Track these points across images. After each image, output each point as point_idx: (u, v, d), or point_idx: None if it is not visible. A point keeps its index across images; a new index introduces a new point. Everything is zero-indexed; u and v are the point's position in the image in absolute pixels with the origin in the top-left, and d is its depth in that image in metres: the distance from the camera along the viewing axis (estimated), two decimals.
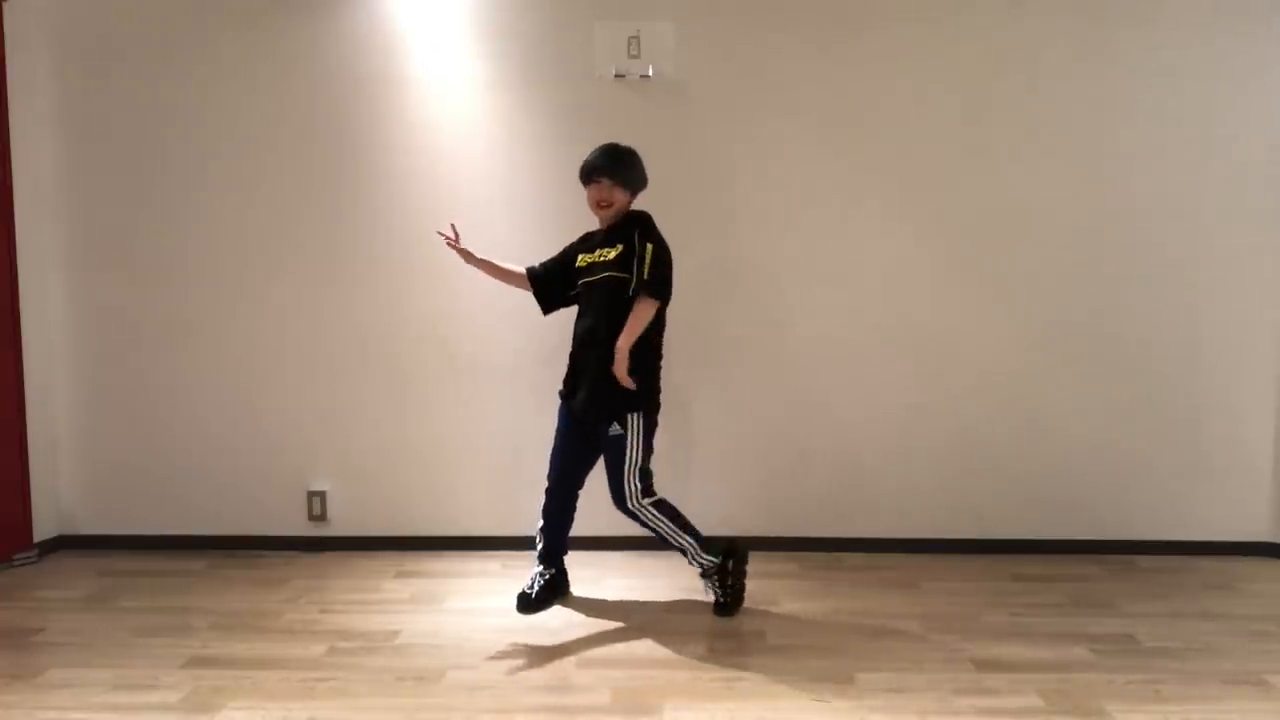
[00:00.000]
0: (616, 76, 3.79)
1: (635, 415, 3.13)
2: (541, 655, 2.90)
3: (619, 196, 3.19)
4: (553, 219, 3.82)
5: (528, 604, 3.28)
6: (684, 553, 3.27)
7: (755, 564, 3.57)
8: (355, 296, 3.92)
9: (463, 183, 3.87)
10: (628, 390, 3.08)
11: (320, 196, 3.90)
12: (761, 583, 3.50)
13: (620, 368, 3.04)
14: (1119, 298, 3.87)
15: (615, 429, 3.14)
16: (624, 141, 3.19)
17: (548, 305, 3.41)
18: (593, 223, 3.32)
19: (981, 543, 3.92)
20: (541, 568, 3.38)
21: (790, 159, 3.81)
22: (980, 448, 3.92)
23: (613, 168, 3.18)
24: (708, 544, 3.27)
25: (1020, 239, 3.85)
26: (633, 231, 3.15)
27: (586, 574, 3.60)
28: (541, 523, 3.37)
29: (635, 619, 3.21)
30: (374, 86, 3.85)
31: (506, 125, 3.85)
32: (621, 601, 3.37)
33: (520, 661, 2.85)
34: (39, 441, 3.89)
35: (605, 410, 3.13)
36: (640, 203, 3.26)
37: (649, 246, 3.09)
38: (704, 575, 3.31)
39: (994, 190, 3.84)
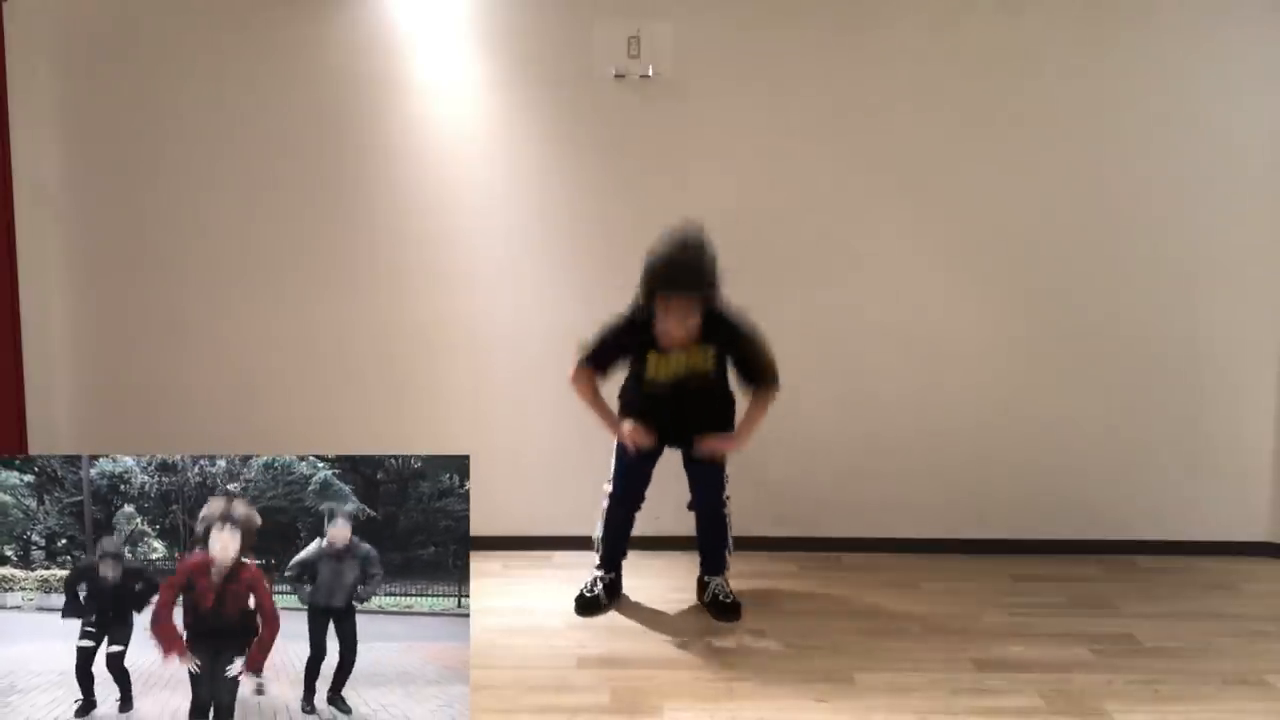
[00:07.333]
0: (616, 76, 3.78)
1: None
2: (541, 655, 2.90)
3: (698, 315, 2.91)
4: (552, 220, 3.82)
5: (588, 606, 3.26)
6: (724, 563, 3.34)
7: (755, 564, 3.58)
8: (356, 298, 3.91)
9: (462, 183, 3.86)
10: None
11: (320, 197, 3.89)
12: (761, 583, 3.50)
13: (728, 449, 3.20)
14: (1118, 296, 3.86)
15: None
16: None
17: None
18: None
19: (981, 543, 3.92)
20: (602, 571, 3.37)
21: (791, 160, 3.81)
22: (980, 447, 3.91)
23: (702, 283, 2.86)
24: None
25: (1020, 239, 3.85)
26: (731, 332, 3.08)
27: (586, 574, 3.59)
28: (603, 531, 3.37)
29: (635, 619, 3.21)
30: (373, 86, 3.84)
31: (506, 125, 3.84)
32: (622, 601, 3.37)
33: (520, 661, 2.85)
34: (39, 442, 3.88)
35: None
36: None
37: (754, 339, 3.09)
38: (717, 580, 3.33)
39: (995, 190, 3.83)
